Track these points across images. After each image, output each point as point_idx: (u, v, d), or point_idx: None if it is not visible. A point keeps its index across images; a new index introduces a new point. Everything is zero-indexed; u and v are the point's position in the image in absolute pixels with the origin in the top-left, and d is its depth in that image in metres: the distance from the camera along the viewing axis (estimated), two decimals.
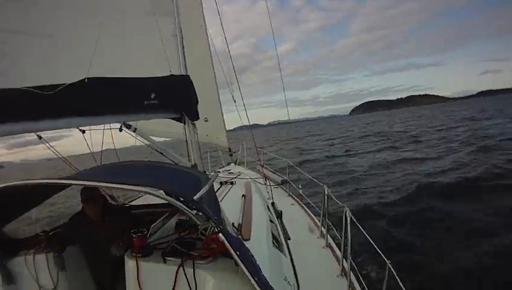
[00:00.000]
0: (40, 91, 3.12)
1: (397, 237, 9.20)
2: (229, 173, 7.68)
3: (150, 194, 2.34)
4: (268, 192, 6.40)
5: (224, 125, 9.56)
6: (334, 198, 4.59)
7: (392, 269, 3.15)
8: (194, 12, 8.25)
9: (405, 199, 12.64)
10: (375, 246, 3.61)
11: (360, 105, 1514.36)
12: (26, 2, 3.46)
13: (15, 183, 2.66)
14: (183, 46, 5.44)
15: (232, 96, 8.72)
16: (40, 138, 4.21)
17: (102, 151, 5.00)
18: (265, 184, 6.86)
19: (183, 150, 6.08)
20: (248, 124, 8.16)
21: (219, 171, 8.29)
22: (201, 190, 2.52)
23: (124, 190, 2.46)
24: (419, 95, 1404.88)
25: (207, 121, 8.48)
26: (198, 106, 5.48)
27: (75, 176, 3.18)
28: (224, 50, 8.32)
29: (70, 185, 2.78)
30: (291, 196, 7.41)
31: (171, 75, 4.67)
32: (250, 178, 6.66)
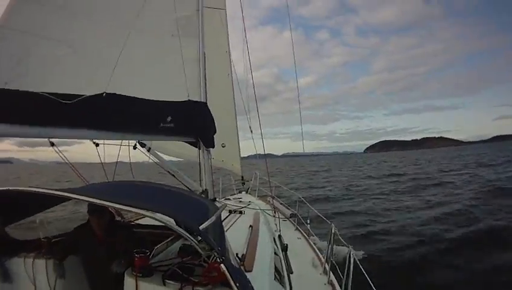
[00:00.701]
0: (58, 99, 3.14)
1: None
2: (240, 201, 7.64)
3: (156, 219, 2.32)
4: (276, 224, 6.37)
5: (240, 153, 9.55)
6: (340, 237, 4.57)
7: None
8: (218, 37, 8.36)
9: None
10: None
11: (375, 144, 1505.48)
12: (52, 7, 3.49)
13: (21, 188, 2.69)
14: (205, 71, 5.48)
15: (250, 126, 8.75)
16: (53, 144, 4.18)
17: (116, 166, 5.01)
18: (274, 216, 6.82)
19: (195, 171, 6.10)
20: (263, 153, 8.15)
21: (229, 199, 8.25)
22: (208, 221, 2.49)
23: (131, 212, 2.45)
24: (434, 138, 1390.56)
25: (224, 147, 8.50)
26: (217, 131, 5.49)
27: (84, 190, 3.17)
28: (246, 78, 8.42)
29: (77, 199, 2.76)
30: (299, 230, 7.35)
31: (189, 100, 4.67)
32: (260, 209, 6.61)
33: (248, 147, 9.50)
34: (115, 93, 3.70)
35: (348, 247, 3.99)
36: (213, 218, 2.61)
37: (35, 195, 2.75)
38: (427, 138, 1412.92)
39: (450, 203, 19.33)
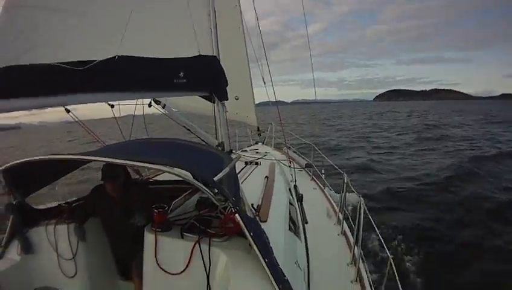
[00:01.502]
0: (70, 66, 3.21)
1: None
2: (256, 152, 7.71)
3: (172, 173, 2.40)
4: (292, 174, 6.43)
5: (254, 105, 9.56)
6: (352, 187, 4.63)
7: (393, 264, 3.21)
8: None
9: None
10: (382, 241, 3.72)
11: (384, 92, 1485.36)
12: None
13: (40, 157, 2.82)
14: (216, 26, 5.47)
15: (262, 75, 8.70)
16: (69, 111, 4.28)
17: (132, 126, 5.11)
18: (290, 166, 6.86)
19: (211, 123, 6.21)
20: (275, 100, 8.19)
21: (246, 150, 8.34)
22: (222, 172, 2.57)
23: (147, 167, 2.54)
24: (444, 90, 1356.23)
25: (238, 99, 8.53)
26: (229, 83, 5.53)
27: (100, 152, 3.27)
28: (255, 26, 8.29)
29: (94, 160, 2.87)
30: (314, 180, 7.41)
31: (199, 55, 4.70)
32: (275, 159, 6.68)
33: (259, 94, 9.48)
34: (126, 56, 3.74)
35: (359, 196, 4.03)
36: (227, 169, 2.68)
37: (53, 162, 2.86)
38: (436, 89, 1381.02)
39: None
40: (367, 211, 3.86)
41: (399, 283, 2.97)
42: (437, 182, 13.72)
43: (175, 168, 2.43)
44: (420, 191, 12.59)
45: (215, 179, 2.43)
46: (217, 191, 2.46)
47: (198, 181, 2.47)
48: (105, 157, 2.80)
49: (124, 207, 3.49)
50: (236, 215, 2.35)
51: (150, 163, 2.52)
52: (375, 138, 31.15)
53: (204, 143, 6.39)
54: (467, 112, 79.85)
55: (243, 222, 2.33)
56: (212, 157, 3.42)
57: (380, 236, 3.87)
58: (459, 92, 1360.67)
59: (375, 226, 3.97)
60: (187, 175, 2.44)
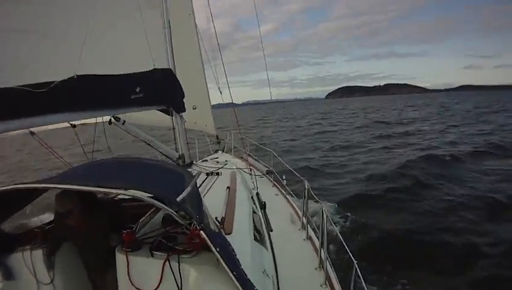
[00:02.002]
0: (31, 89, 3.19)
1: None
2: (216, 161, 7.73)
3: (134, 197, 2.45)
4: (253, 182, 6.44)
5: (211, 114, 9.61)
6: (313, 194, 4.75)
7: (357, 269, 3.30)
8: (181, 2, 8.18)
9: None
10: (346, 247, 3.77)
11: (337, 89, 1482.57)
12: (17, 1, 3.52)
13: (4, 188, 2.79)
14: (171, 38, 5.52)
15: (216, 78, 8.75)
16: (33, 134, 4.23)
17: (93, 146, 5.06)
18: (251, 174, 6.89)
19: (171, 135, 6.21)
20: (231, 102, 8.32)
21: (206, 160, 8.34)
22: (184, 191, 2.62)
23: (111, 193, 2.56)
24: (398, 84, 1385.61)
25: (195, 108, 8.57)
26: (186, 94, 5.57)
27: (57, 178, 3.26)
28: (207, 29, 8.34)
29: (53, 188, 2.87)
30: (276, 186, 7.43)
31: (155, 69, 4.79)
32: (236, 167, 6.72)
33: (212, 96, 9.50)
34: (84, 75, 3.76)
35: (320, 203, 4.13)
36: (188, 189, 2.72)
37: (18, 191, 2.86)
38: (390, 84, 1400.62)
39: None
40: (329, 217, 3.97)
41: (365, 288, 3.09)
42: (397, 182, 13.98)
43: (130, 191, 2.46)
44: (379, 191, 12.73)
45: (178, 199, 2.47)
46: (179, 209, 2.52)
47: (158, 201, 2.50)
48: (63, 184, 2.80)
49: (89, 231, 3.42)
50: (201, 232, 2.40)
51: (112, 188, 2.56)
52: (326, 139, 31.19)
53: (164, 158, 6.42)
54: (419, 106, 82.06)
55: (208, 238, 2.38)
56: (174, 175, 3.42)
57: (341, 238, 3.97)
58: (414, 86, 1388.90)
59: (338, 232, 4.17)
60: (144, 196, 2.48)
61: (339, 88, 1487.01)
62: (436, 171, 15.35)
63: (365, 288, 3.09)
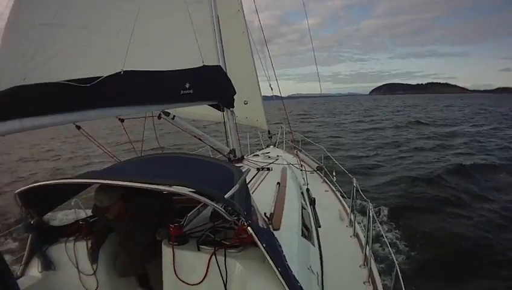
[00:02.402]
0: (78, 84, 3.25)
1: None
2: (268, 156, 7.71)
3: (184, 194, 2.47)
4: (303, 178, 6.43)
5: (263, 108, 9.56)
6: (361, 193, 4.70)
7: (398, 270, 3.29)
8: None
9: None
10: (389, 247, 3.86)
11: (380, 86, 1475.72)
12: None
13: (53, 181, 2.97)
14: (220, 34, 5.51)
15: (266, 72, 8.73)
16: (79, 128, 4.29)
17: (143, 140, 5.15)
18: (301, 169, 6.85)
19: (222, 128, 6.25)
20: (280, 95, 8.64)
21: (258, 155, 8.32)
22: (233, 188, 2.60)
23: (155, 189, 2.57)
24: (440, 83, 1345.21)
25: (246, 104, 8.56)
26: (237, 89, 5.56)
27: (103, 172, 3.32)
28: (252, 21, 8.36)
29: (99, 183, 2.92)
30: (326, 182, 7.38)
31: (204, 66, 4.77)
32: (287, 163, 6.67)
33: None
34: (132, 70, 3.79)
35: (368, 201, 4.13)
36: (237, 186, 2.71)
37: (64, 184, 2.94)
38: (432, 82, 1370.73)
39: None
40: (375, 216, 3.96)
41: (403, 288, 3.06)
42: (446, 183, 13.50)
43: (186, 188, 2.49)
44: (426, 195, 12.25)
45: (226, 196, 2.46)
46: (228, 206, 2.52)
47: (208, 198, 2.53)
48: (109, 179, 2.82)
49: (131, 224, 3.41)
50: (249, 227, 2.40)
51: (160, 184, 2.56)
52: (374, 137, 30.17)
53: (214, 154, 6.45)
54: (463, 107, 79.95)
55: (255, 234, 2.38)
56: (223, 171, 3.42)
57: (386, 239, 4.04)
58: (455, 86, 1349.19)
59: (383, 233, 4.28)
60: (192, 192, 2.49)
61: (383, 85, 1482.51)
62: (487, 178, 14.50)
63: (403, 288, 3.06)
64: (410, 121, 41.38)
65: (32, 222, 3.29)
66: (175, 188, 2.47)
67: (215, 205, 2.49)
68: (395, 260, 3.46)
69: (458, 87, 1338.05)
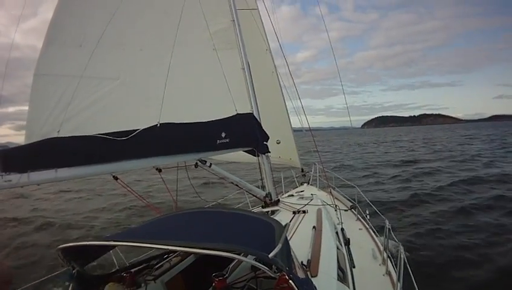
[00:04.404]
0: (115, 138, 3.35)
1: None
2: (302, 197, 7.66)
3: (227, 257, 2.44)
4: (338, 217, 6.45)
5: (296, 147, 9.54)
6: (392, 234, 4.84)
7: None
8: (256, 38, 8.22)
9: None
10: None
11: (372, 119, 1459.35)
12: (89, 47, 3.71)
13: (94, 243, 3.06)
14: (252, 81, 5.59)
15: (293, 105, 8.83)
16: (117, 179, 4.34)
17: (177, 189, 5.18)
18: (336, 209, 6.80)
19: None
20: (309, 129, 8.51)
21: (292, 195, 8.27)
22: (276, 248, 2.59)
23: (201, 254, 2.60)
24: (432, 114, 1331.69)
25: (279, 143, 8.56)
26: (269, 128, 5.62)
27: (148, 232, 3.32)
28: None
29: (143, 247, 2.93)
30: (360, 220, 7.28)
31: (237, 114, 4.90)
32: (321, 203, 6.63)
33: None
34: (167, 123, 3.88)
35: (399, 244, 4.28)
36: (279, 246, 2.70)
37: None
38: (424, 114, 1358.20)
39: None
40: (405, 260, 4.04)
41: None
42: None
43: (228, 252, 2.46)
44: (457, 237, 11.05)
45: (271, 255, 2.44)
46: (272, 265, 2.49)
47: (253, 260, 2.57)
48: (156, 244, 2.83)
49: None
50: (290, 281, 2.38)
51: (202, 249, 2.55)
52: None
53: (250, 197, 6.45)
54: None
55: (296, 286, 2.37)
56: (263, 227, 3.41)
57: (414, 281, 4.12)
58: (447, 116, 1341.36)
59: (412, 276, 4.25)
60: (237, 255, 2.51)
61: (375, 118, 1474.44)
62: None
63: None
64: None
65: (73, 272, 3.33)
66: (220, 253, 2.45)
67: (260, 264, 2.48)
68: None
69: (451, 117, 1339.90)
